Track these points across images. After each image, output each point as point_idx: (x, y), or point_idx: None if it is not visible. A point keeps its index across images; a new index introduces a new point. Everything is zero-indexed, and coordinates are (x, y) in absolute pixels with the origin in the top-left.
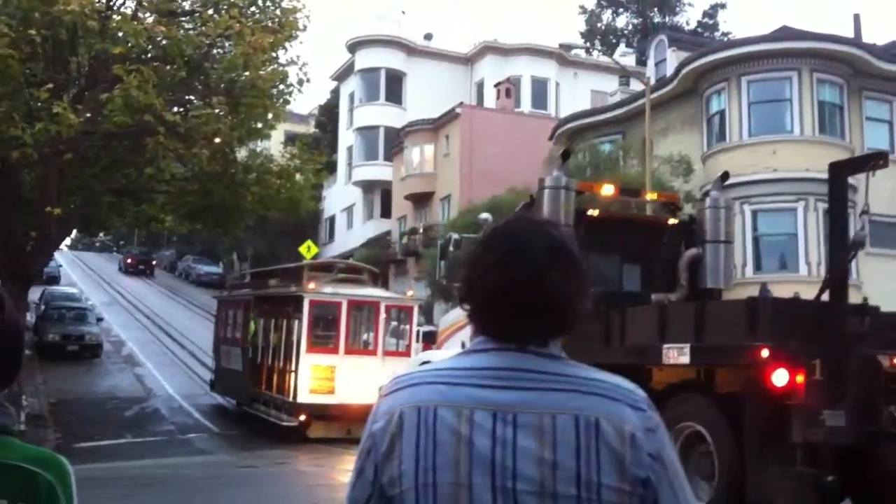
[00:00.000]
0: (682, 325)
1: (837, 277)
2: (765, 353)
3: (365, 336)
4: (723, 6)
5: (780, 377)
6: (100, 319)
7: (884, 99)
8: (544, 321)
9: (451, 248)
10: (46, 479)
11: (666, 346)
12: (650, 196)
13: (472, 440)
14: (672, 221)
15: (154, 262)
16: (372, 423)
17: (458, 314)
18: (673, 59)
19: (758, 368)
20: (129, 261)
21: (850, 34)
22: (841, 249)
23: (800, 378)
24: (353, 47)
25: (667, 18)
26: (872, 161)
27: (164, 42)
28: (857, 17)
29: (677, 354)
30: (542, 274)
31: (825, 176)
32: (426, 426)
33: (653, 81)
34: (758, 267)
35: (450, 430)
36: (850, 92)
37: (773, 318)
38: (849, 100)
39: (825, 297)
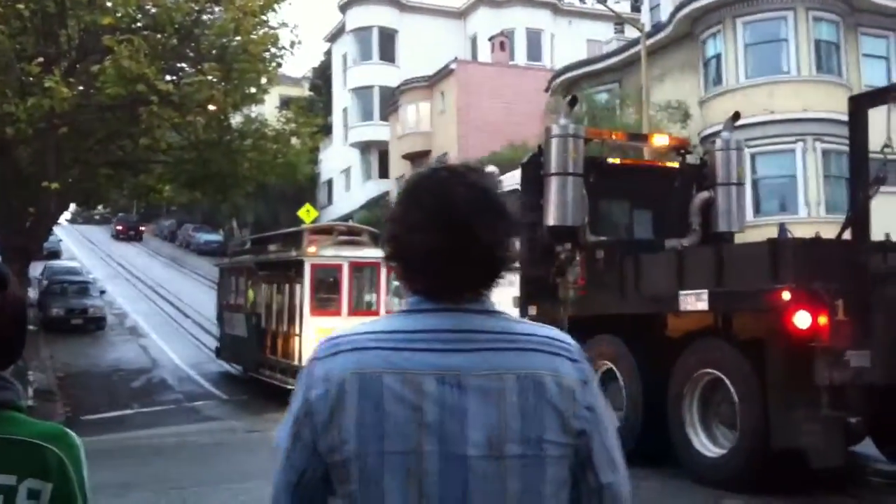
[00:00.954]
0: (700, 270)
1: (859, 215)
2: (786, 295)
3: (368, 297)
4: None
5: (802, 319)
6: (102, 292)
7: (880, 35)
8: (476, 275)
9: None
10: (55, 454)
11: (683, 292)
12: (659, 140)
13: (421, 407)
14: (682, 164)
15: (142, 229)
16: (307, 388)
17: None
18: (668, 3)
19: (780, 311)
20: (119, 228)
21: None
22: (862, 186)
23: (823, 319)
24: (345, 6)
25: None
26: (895, 92)
27: (153, 10)
28: None
29: (695, 301)
30: (470, 229)
31: (824, 115)
32: (371, 395)
33: (648, 27)
34: (758, 210)
35: (397, 398)
36: (847, 29)
37: (794, 260)
38: (845, 37)
39: (846, 235)
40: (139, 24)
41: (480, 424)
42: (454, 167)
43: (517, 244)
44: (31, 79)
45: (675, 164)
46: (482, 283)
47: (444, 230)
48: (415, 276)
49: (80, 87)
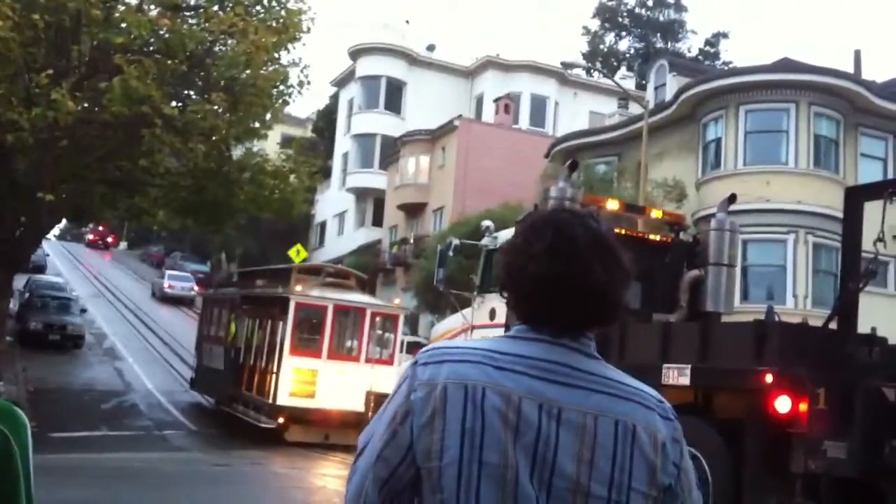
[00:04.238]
0: (685, 345)
1: (847, 306)
2: (769, 378)
3: (349, 342)
4: (725, 35)
5: (783, 404)
6: (83, 311)
7: (880, 136)
8: (586, 311)
9: (450, 254)
10: (1, 431)
11: (667, 365)
12: (655, 214)
13: (518, 428)
14: (675, 240)
15: (110, 241)
16: (409, 390)
17: (452, 323)
18: (673, 84)
19: (761, 394)
20: (91, 237)
21: (850, 69)
22: (853, 277)
23: (803, 406)
24: (356, 54)
25: (669, 44)
26: (891, 188)
27: (167, 35)
28: (857, 53)
29: (678, 375)
30: (587, 265)
31: (818, 209)
32: (474, 405)
33: (651, 105)
34: (745, 296)
35: (498, 413)
36: (847, 127)
37: (780, 343)
38: (845, 135)
39: (833, 325)
40: (151, 48)
41: (570, 459)
42: (575, 211)
43: (627, 293)
44: (38, 90)
45: (668, 240)
46: (587, 323)
47: (563, 261)
48: (524, 305)
49: (86, 104)
